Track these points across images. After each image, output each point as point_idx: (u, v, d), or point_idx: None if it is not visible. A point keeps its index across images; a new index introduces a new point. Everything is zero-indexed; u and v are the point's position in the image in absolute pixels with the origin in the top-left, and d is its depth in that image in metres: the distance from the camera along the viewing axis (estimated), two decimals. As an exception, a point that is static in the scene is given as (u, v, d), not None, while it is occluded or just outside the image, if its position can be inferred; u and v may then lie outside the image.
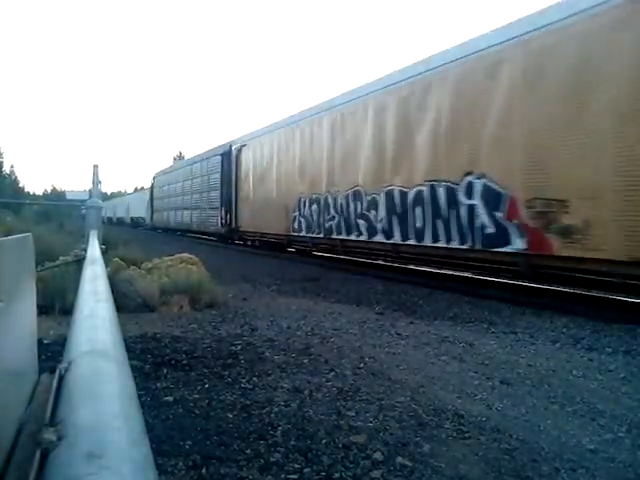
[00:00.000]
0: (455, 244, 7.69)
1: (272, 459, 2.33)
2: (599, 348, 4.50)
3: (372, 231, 9.66)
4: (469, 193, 7.40)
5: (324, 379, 3.47)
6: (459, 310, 6.25)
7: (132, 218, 41.21)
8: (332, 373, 3.60)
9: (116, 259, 6.62)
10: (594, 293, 7.16)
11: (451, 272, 9.88)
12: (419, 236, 8.39)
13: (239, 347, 4.25)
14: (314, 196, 11.77)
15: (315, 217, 11.69)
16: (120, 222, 47.83)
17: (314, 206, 11.77)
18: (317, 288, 8.15)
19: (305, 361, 3.88)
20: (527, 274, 6.91)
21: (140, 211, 37.01)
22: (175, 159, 72.53)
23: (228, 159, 17.56)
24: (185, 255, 7.32)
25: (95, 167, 8.38)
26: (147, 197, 33.60)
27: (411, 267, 10.55)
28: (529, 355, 4.24)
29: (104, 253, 5.43)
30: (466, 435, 2.65)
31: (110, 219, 53.49)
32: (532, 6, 7.49)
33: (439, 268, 9.37)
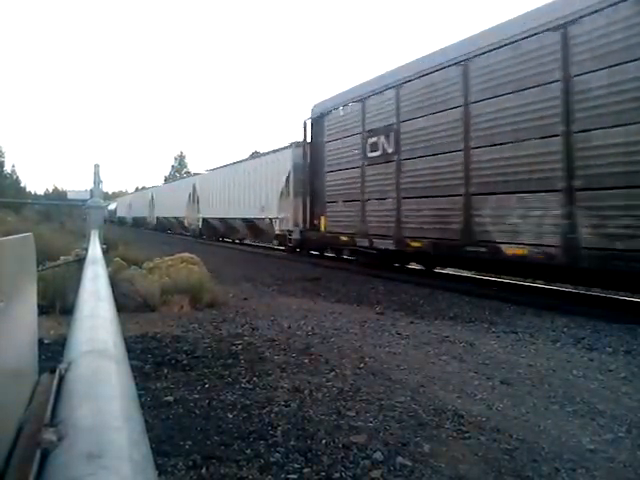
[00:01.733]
0: None
1: (272, 459, 2.33)
2: (599, 348, 4.50)
3: None
4: None
5: (324, 379, 3.47)
6: (459, 310, 6.25)
7: (206, 220, 21.49)
8: (332, 373, 3.60)
9: (117, 259, 6.64)
10: (595, 293, 7.16)
11: (451, 272, 9.90)
12: None
13: (239, 347, 4.25)
14: None
15: None
16: (164, 226, 29.32)
17: None
18: (317, 288, 8.15)
19: (305, 361, 3.88)
20: None
21: (245, 207, 17.13)
22: (176, 159, 71.32)
23: None
24: (186, 255, 7.34)
25: (96, 166, 8.40)
26: (282, 168, 14.26)
27: (411, 267, 10.55)
28: (529, 355, 4.24)
29: (105, 253, 5.44)
30: (466, 435, 2.65)
31: (139, 220, 35.42)
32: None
33: None
